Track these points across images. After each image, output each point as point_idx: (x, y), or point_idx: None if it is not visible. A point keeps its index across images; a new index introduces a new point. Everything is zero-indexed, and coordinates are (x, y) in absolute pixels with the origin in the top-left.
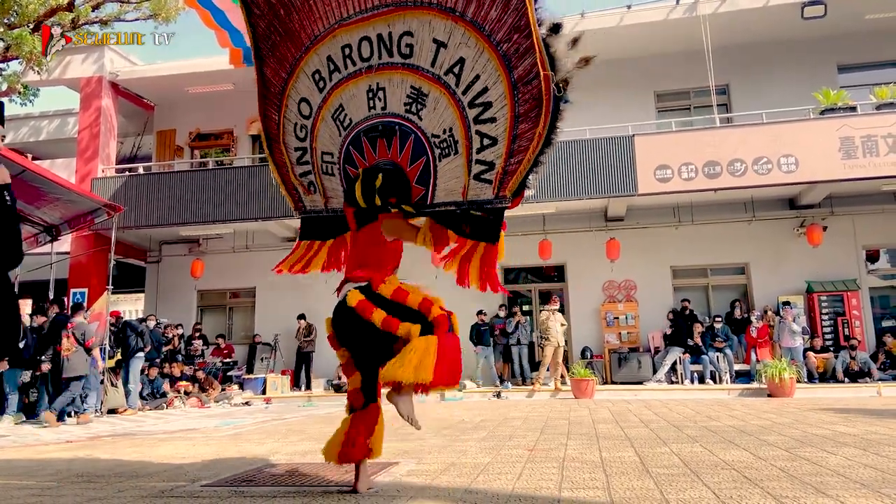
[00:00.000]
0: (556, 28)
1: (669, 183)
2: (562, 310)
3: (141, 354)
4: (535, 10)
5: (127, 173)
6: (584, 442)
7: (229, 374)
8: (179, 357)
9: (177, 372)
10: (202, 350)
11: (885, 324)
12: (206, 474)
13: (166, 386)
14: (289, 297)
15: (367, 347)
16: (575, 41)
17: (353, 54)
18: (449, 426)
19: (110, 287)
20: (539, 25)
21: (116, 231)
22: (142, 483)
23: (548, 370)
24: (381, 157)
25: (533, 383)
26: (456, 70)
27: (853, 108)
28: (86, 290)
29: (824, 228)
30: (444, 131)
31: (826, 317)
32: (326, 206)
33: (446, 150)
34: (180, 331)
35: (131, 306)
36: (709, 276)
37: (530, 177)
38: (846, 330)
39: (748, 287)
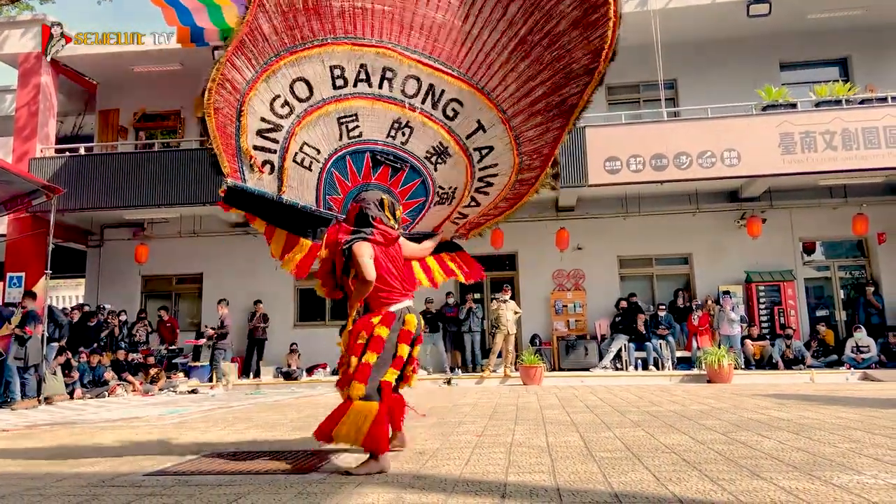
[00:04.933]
0: (555, 164)
1: (618, 175)
2: (513, 297)
3: (55, 345)
4: (557, 150)
5: (67, 154)
6: (531, 427)
7: (174, 361)
8: (122, 344)
9: (89, 360)
10: (146, 337)
11: (819, 313)
12: (148, 463)
13: (108, 374)
14: (236, 283)
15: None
16: (556, 175)
17: (395, 81)
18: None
19: (48, 272)
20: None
21: (55, 213)
22: (82, 472)
23: (499, 357)
24: (378, 180)
25: (483, 370)
26: (484, 151)
27: (793, 105)
28: (23, 274)
29: (763, 221)
30: (449, 188)
31: (763, 306)
32: (279, 195)
33: (443, 200)
34: (123, 317)
35: (71, 292)
36: (654, 265)
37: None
38: (782, 319)
39: (691, 277)
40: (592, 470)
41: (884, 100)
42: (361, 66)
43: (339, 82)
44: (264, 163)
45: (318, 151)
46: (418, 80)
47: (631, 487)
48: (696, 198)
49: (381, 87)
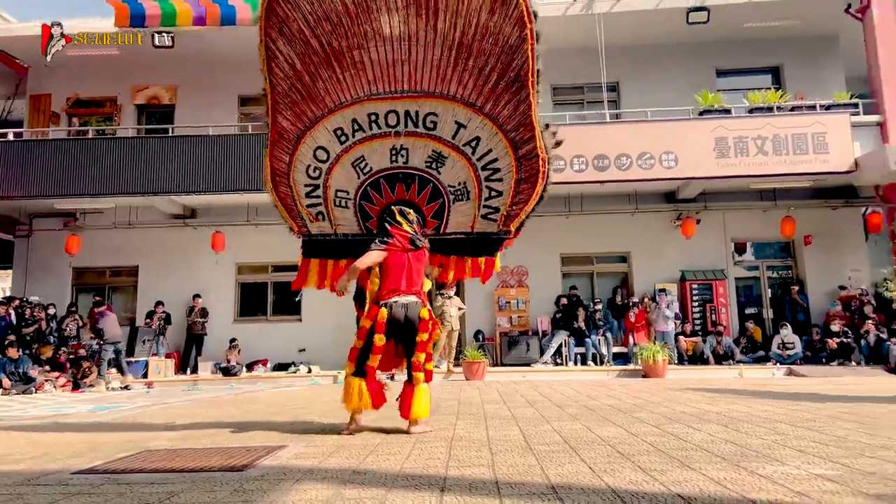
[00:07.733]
0: (547, 126)
1: (562, 174)
2: (457, 293)
3: None
4: (538, 115)
5: None
6: (472, 422)
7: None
8: (51, 339)
9: (6, 353)
10: (77, 331)
11: (748, 311)
12: (77, 461)
13: (34, 370)
14: (173, 277)
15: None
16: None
17: (380, 120)
18: (340, 409)
19: None
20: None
21: None
22: (5, 470)
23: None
24: (398, 196)
25: None
26: (473, 144)
27: (728, 111)
28: None
29: (698, 221)
30: (459, 184)
31: (696, 303)
32: (335, 231)
33: (459, 196)
34: (52, 311)
35: None
36: (594, 263)
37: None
38: (713, 316)
39: (629, 274)
40: (531, 462)
41: (813, 108)
42: (353, 120)
43: (343, 138)
44: (317, 214)
45: (347, 192)
46: (395, 112)
47: (567, 479)
48: (636, 198)
49: (370, 128)
